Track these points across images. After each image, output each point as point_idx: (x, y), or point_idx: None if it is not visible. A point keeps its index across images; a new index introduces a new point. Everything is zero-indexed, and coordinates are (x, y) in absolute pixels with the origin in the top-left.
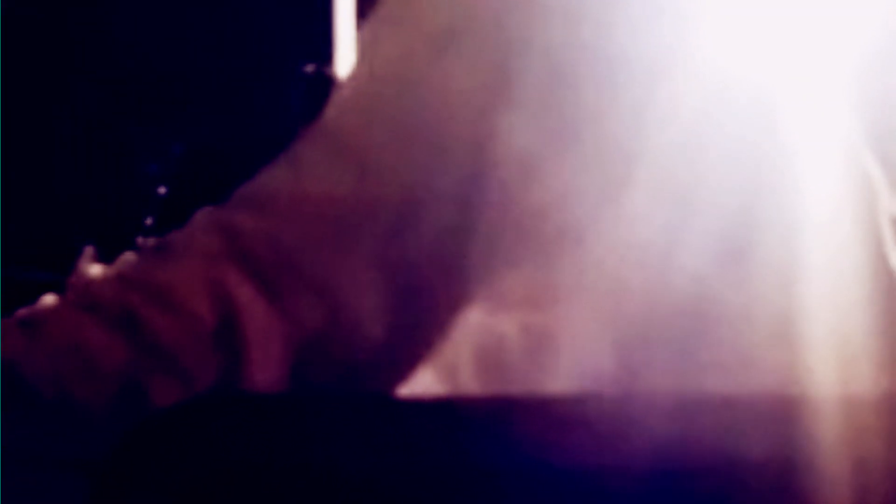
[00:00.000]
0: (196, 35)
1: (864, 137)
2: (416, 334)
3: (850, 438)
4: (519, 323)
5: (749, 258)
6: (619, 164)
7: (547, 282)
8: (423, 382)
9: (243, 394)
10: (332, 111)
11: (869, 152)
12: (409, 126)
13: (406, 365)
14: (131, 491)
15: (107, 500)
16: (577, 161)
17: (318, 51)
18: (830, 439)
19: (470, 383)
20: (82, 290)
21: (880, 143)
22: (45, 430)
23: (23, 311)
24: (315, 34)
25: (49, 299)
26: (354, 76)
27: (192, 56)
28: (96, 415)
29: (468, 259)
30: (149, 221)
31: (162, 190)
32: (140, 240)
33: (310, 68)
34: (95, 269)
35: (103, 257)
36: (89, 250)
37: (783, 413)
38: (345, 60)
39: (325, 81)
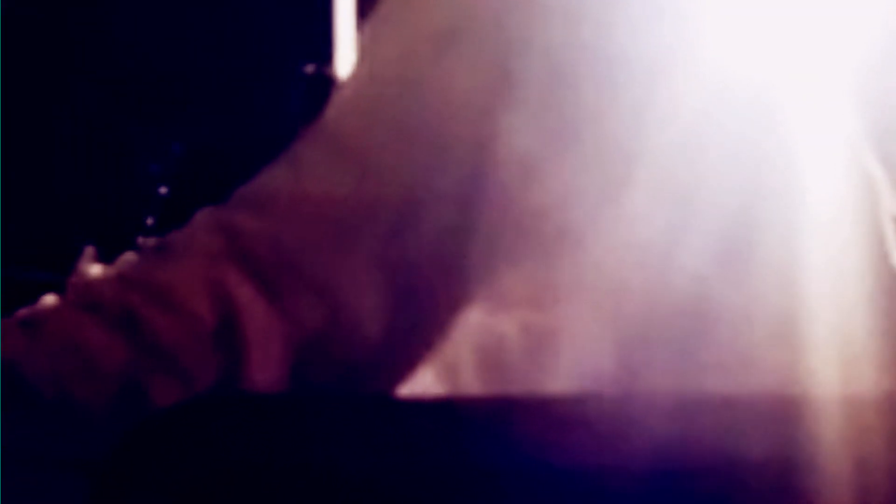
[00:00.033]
0: (196, 35)
1: (865, 137)
2: (417, 334)
3: (851, 438)
4: (519, 323)
5: (749, 258)
6: (619, 163)
7: (547, 282)
8: (423, 382)
9: (243, 394)
10: (332, 111)
11: (870, 152)
12: (409, 126)
13: (406, 365)
14: (131, 491)
15: (107, 500)
16: (578, 161)
17: (318, 51)
18: (831, 439)
19: (470, 383)
20: (82, 290)
21: (881, 143)
22: (45, 430)
23: (23, 311)
24: (315, 34)
25: (49, 299)
26: (355, 76)
27: (192, 56)
28: (96, 415)
29: (468, 259)
30: (149, 221)
31: (162, 190)
32: (140, 240)
33: (310, 68)
34: (96, 269)
35: (104, 257)
36: (90, 250)
37: (783, 413)
38: (345, 61)
39: (326, 82)
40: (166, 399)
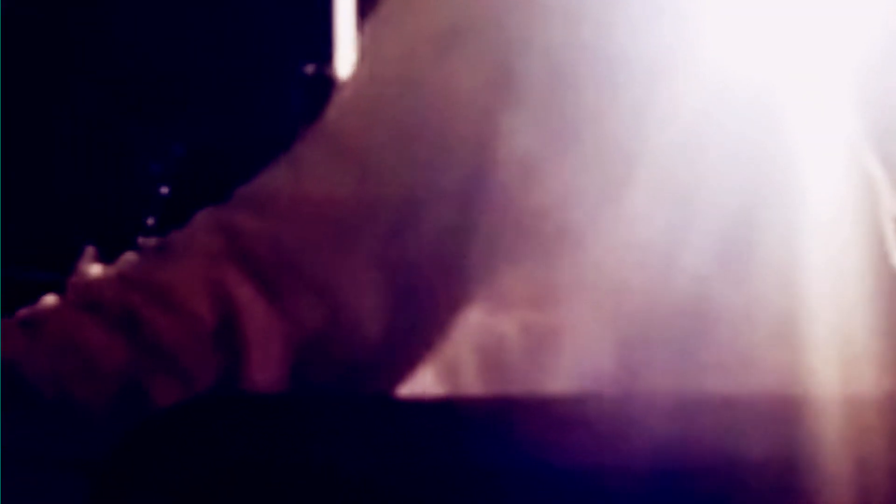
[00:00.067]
0: (196, 35)
1: (865, 137)
2: (417, 334)
3: (851, 439)
4: (519, 323)
5: (749, 258)
6: (619, 163)
7: (547, 281)
8: (423, 382)
9: (243, 394)
10: (332, 112)
11: (870, 152)
12: (409, 127)
13: (406, 365)
14: (131, 491)
15: (107, 500)
16: (578, 161)
17: (318, 51)
18: (831, 439)
19: (470, 383)
20: (83, 290)
21: (881, 143)
22: (45, 430)
23: (23, 311)
24: (315, 34)
25: (49, 299)
26: (355, 77)
27: (193, 56)
28: (96, 415)
29: (468, 259)
30: (150, 221)
31: (163, 190)
32: (141, 240)
33: (310, 69)
34: (96, 269)
35: (104, 257)
36: (90, 250)
37: (783, 413)
38: (345, 61)
39: (326, 82)
40: (166, 399)
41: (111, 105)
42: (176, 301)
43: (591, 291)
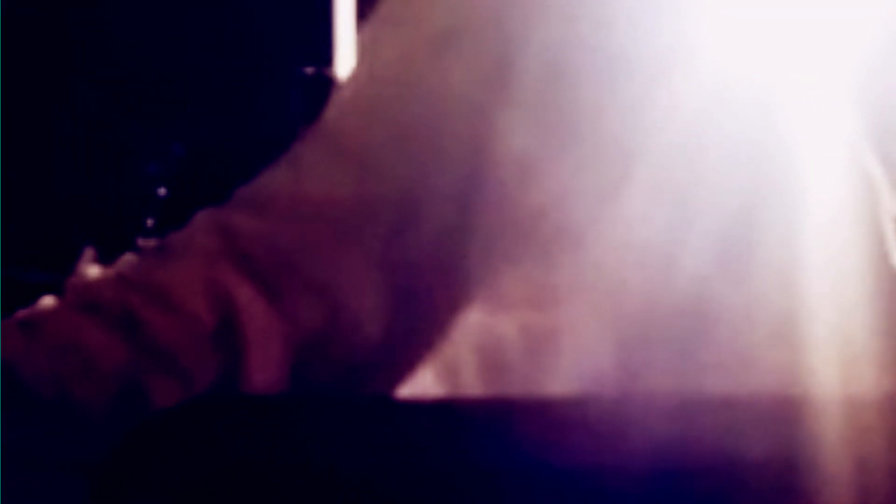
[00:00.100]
0: (196, 35)
1: (865, 137)
2: (416, 334)
3: (851, 439)
4: (519, 323)
5: (749, 258)
6: (618, 163)
7: (547, 282)
8: (423, 382)
9: (243, 394)
10: (331, 112)
11: (870, 152)
12: (408, 127)
13: (406, 365)
14: (131, 491)
15: (107, 500)
16: (576, 160)
17: (317, 52)
18: (831, 440)
19: (470, 384)
20: (82, 290)
21: (881, 143)
22: (45, 430)
23: (23, 312)
24: (315, 35)
25: (49, 300)
26: (354, 77)
27: (192, 56)
28: (96, 415)
29: (468, 259)
30: (149, 222)
31: (162, 191)
32: (140, 240)
33: (310, 70)
34: (95, 270)
35: (103, 258)
36: (89, 251)
37: (783, 413)
38: (345, 62)
39: (325, 83)
40: (166, 399)
41: (111, 105)
42: (175, 301)
43: (591, 292)
